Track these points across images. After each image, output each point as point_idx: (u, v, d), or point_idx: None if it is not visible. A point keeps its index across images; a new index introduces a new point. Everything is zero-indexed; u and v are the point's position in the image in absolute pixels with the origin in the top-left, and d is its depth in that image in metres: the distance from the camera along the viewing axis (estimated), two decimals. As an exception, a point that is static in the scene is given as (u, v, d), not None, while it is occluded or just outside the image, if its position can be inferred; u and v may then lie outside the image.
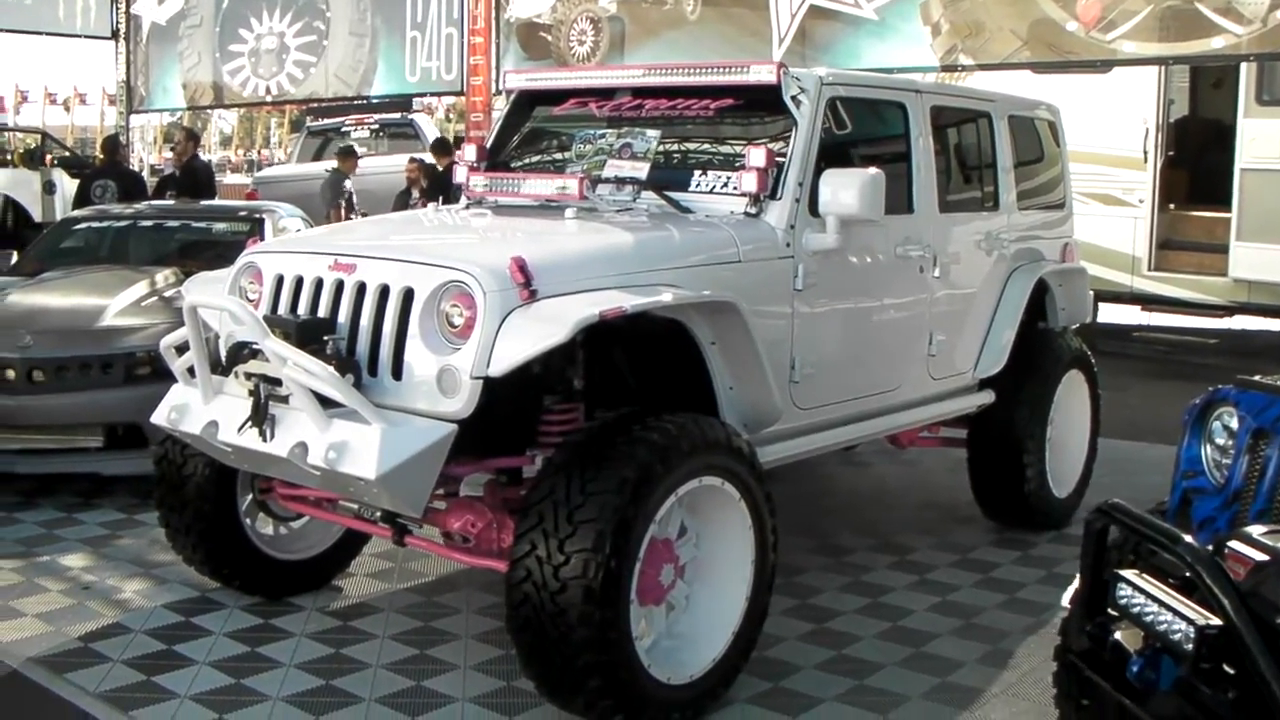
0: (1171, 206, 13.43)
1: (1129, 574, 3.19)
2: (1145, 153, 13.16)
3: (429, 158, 15.28)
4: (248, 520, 5.81)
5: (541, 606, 4.27)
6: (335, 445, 4.42)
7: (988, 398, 7.08)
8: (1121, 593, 3.18)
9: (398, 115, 22.13)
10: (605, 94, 6.27)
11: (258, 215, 10.01)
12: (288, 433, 4.61)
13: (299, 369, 4.47)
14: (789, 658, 5.41)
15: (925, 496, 8.23)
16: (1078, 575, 3.91)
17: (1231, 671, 2.89)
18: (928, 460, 8.70)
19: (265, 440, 4.66)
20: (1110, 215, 13.07)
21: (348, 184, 14.33)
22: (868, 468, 8.79)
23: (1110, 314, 14.24)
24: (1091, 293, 8.13)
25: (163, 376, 6.93)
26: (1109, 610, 3.24)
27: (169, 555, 6.21)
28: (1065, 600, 6.28)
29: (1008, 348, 6.99)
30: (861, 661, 5.42)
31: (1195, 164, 13.65)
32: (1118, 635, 3.25)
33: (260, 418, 4.66)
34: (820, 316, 5.72)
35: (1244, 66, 12.18)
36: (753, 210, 5.48)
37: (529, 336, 4.35)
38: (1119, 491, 8.19)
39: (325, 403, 4.51)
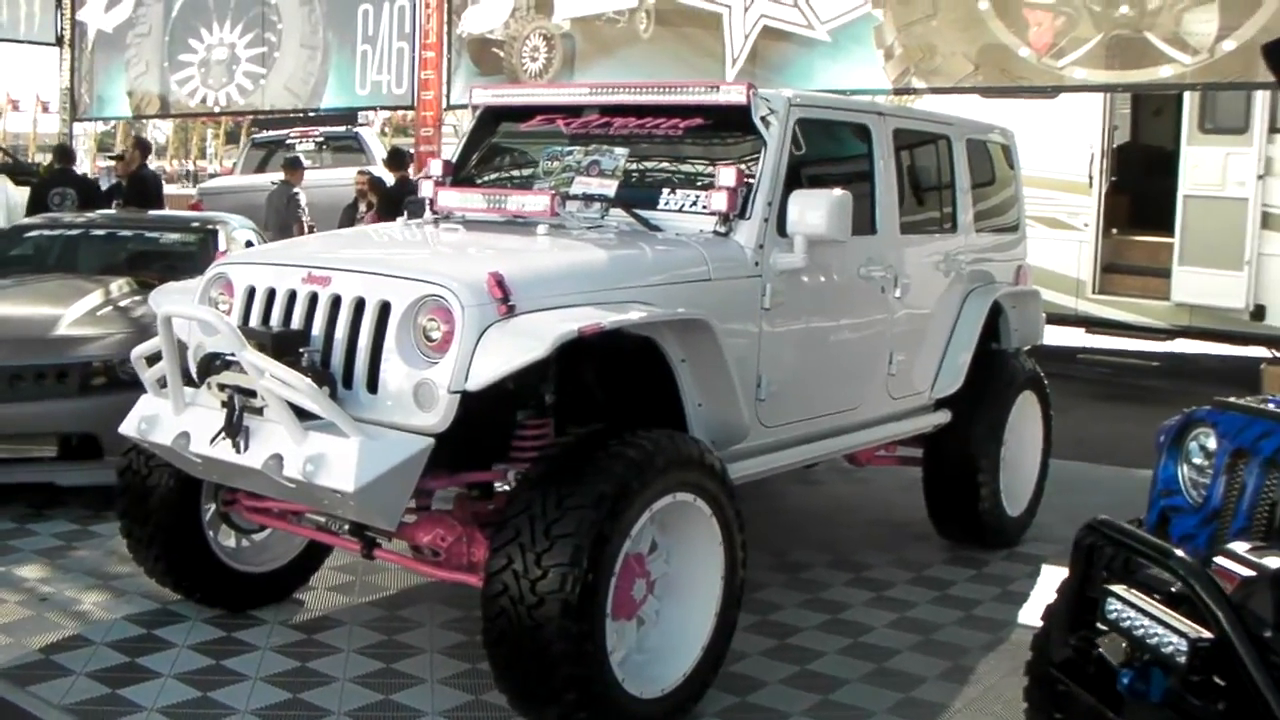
0: (1114, 231, 13.66)
1: (1119, 589, 3.25)
2: (1090, 178, 13.39)
3: (377, 170, 15.23)
4: (210, 532, 5.78)
5: (518, 620, 4.29)
6: (312, 458, 4.42)
7: (944, 417, 7.17)
8: (1111, 607, 3.24)
9: (343, 128, 22.05)
10: (573, 111, 6.30)
11: (211, 226, 9.97)
12: (262, 445, 4.60)
13: (276, 381, 4.47)
14: (754, 673, 5.45)
15: (878, 514, 8.31)
16: (1054, 591, 3.98)
17: (1222, 683, 2.96)
18: (880, 479, 8.79)
19: (239, 452, 4.65)
20: (1055, 239, 13.27)
21: (301, 196, 14.25)
22: (820, 485, 8.87)
23: (1055, 336, 14.39)
24: (1044, 315, 8.24)
25: (118, 386, 7.03)
26: (1097, 625, 3.30)
27: (127, 566, 6.17)
28: (1022, 618, 6.44)
29: (965, 368, 7.09)
30: (826, 677, 5.47)
31: (1138, 189, 13.91)
32: (1102, 649, 3.31)
33: (234, 429, 4.65)
34: (786, 335, 5.78)
35: (1187, 95, 12.43)
36: (722, 229, 5.53)
37: (508, 351, 4.37)
38: (1070, 510, 8.38)
39: (300, 415, 4.51)
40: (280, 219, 13.58)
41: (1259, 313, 12.28)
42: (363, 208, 14.25)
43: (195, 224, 10.31)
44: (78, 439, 7.36)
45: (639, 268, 5.18)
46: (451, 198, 6.06)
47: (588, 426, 4.84)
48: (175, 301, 5.32)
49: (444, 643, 5.63)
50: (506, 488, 5.09)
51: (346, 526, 5.24)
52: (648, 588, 4.81)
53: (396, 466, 4.38)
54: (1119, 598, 3.24)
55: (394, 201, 12.54)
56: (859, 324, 6.35)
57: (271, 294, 4.99)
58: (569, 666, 4.28)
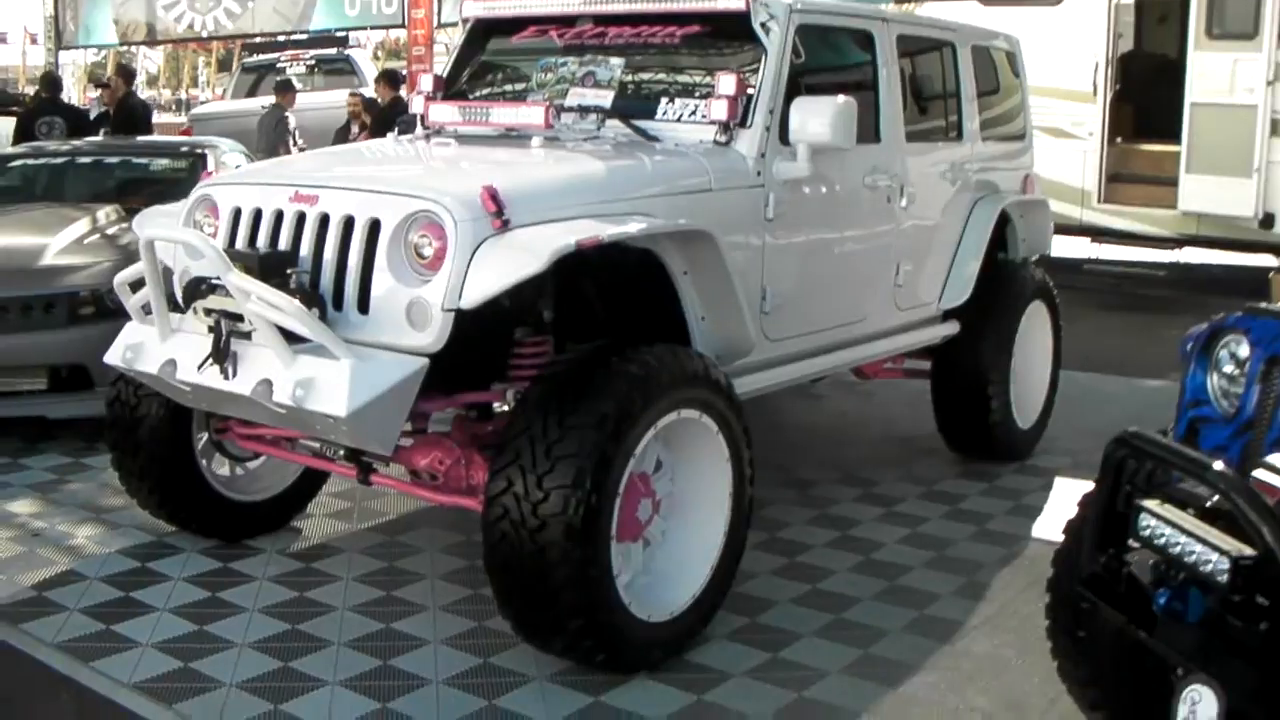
0: (1119, 140, 13.42)
1: (1152, 504, 3.09)
2: (1094, 86, 13.12)
3: (369, 92, 14.97)
4: (203, 461, 5.64)
5: (520, 545, 4.15)
6: (302, 382, 4.26)
7: (952, 329, 7.01)
8: (1145, 523, 3.08)
9: (334, 51, 21.69)
10: (566, 22, 6.09)
11: (199, 150, 9.77)
12: (250, 370, 4.45)
13: (263, 303, 4.30)
14: (764, 593, 5.33)
15: (885, 429, 8.18)
16: (1076, 506, 3.85)
17: (1265, 603, 2.80)
18: (885, 392, 8.63)
19: (227, 378, 4.50)
20: (1060, 148, 13.01)
21: (291, 119, 14.00)
22: (825, 400, 8.71)
23: (1060, 246, 14.21)
24: (1052, 224, 8.05)
25: (107, 316, 6.84)
26: (1128, 542, 3.14)
27: (120, 500, 6.03)
28: (1036, 532, 6.31)
29: (973, 279, 6.92)
30: (837, 595, 5.35)
31: (1143, 98, 13.63)
32: (1133, 568, 3.16)
33: (221, 355, 4.49)
34: (790, 246, 5.60)
35: (1194, 1, 12.15)
36: (722, 139, 5.34)
37: (503, 267, 4.20)
38: (1080, 423, 8.26)
39: (289, 338, 4.35)
40: (270, 142, 13.34)
41: (1268, 221, 12.06)
42: (355, 129, 14.01)
43: (184, 149, 10.11)
44: (67, 370, 7.20)
45: (638, 179, 5.00)
46: (443, 112, 5.85)
47: (588, 343, 4.66)
48: (158, 225, 5.14)
49: (446, 568, 5.51)
50: (506, 408, 4.94)
51: (341, 452, 5.10)
52: (653, 508, 4.68)
53: (390, 389, 4.22)
54: (1153, 513, 3.07)
55: (387, 123, 12.28)
56: (864, 234, 6.18)
57: (258, 215, 4.81)
58: (573, 592, 4.14)
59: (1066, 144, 13.12)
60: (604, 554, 4.22)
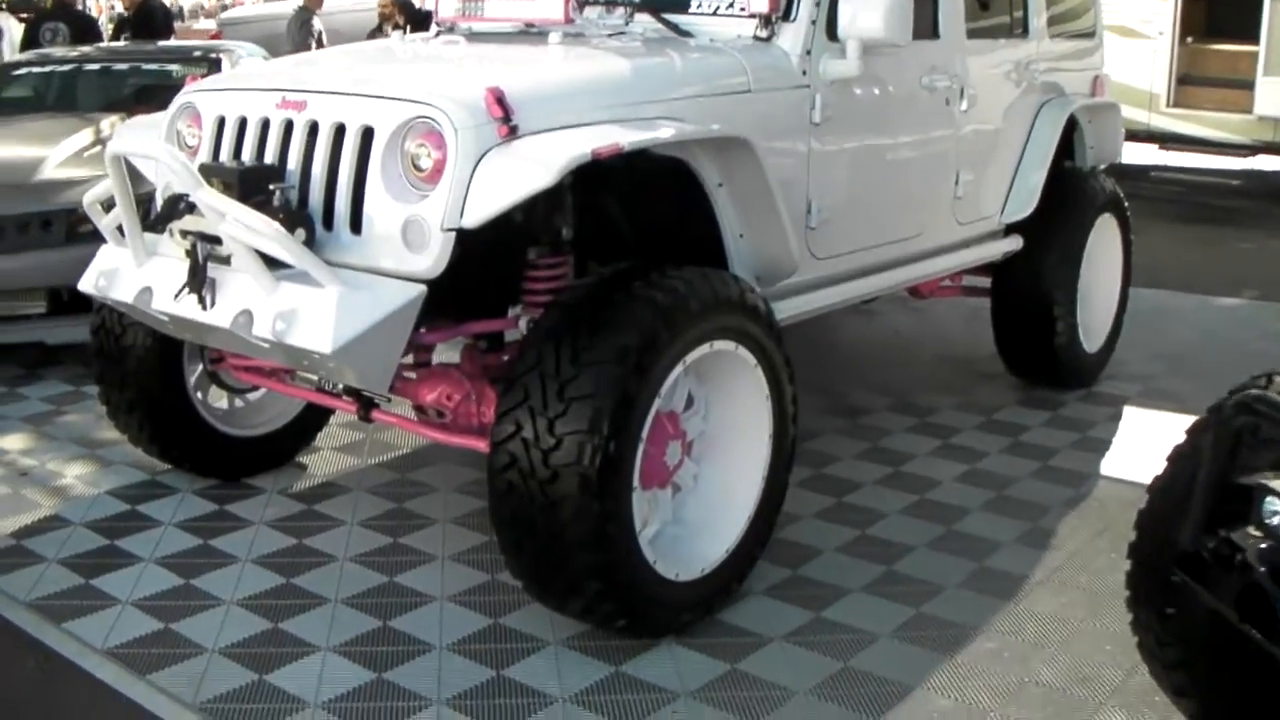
0: (1190, 40, 12.62)
1: None
2: (1164, -19, 12.35)
3: (403, -8, 14.30)
4: (198, 394, 5.17)
5: (530, 498, 3.65)
6: (284, 314, 3.76)
7: (1015, 244, 6.43)
8: (1273, 508, 2.52)
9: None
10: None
11: (214, 55, 9.23)
12: (230, 299, 3.95)
13: (239, 224, 3.79)
14: (808, 540, 4.84)
15: (941, 350, 7.63)
16: (1166, 461, 3.30)
17: None
18: (940, 309, 8.05)
19: (204, 308, 4.00)
20: (1126, 48, 12.23)
21: (316, 22, 13.39)
22: (876, 317, 8.12)
23: (1126, 153, 13.51)
24: (1123, 130, 7.43)
25: (109, 233, 6.35)
26: (1250, 529, 2.57)
27: (115, 433, 5.55)
28: (1105, 469, 5.77)
29: (1038, 190, 6.33)
30: (888, 544, 4.84)
31: (1217, -7, 12.83)
32: (1258, 569, 2.59)
33: (198, 282, 3.99)
34: (839, 154, 5.04)
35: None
36: (763, 34, 4.77)
37: (509, 180, 3.67)
38: (1149, 345, 7.66)
39: (272, 263, 3.85)
40: (295, 46, 12.73)
41: (1351, 127, 11.33)
42: (389, 31, 13.37)
43: (198, 53, 9.55)
44: (68, 293, 6.72)
45: (667, 79, 4.43)
46: (452, 6, 5.29)
47: (611, 265, 4.13)
48: (129, 138, 4.63)
49: (459, 510, 5.03)
50: (519, 336, 4.43)
51: (341, 386, 4.61)
52: (683, 450, 4.18)
53: (381, 321, 3.71)
54: None
55: (424, 25, 11.68)
56: (921, 140, 5.59)
57: (243, 124, 4.30)
58: (590, 552, 3.65)
59: (1133, 43, 12.34)
60: (625, 507, 3.72)
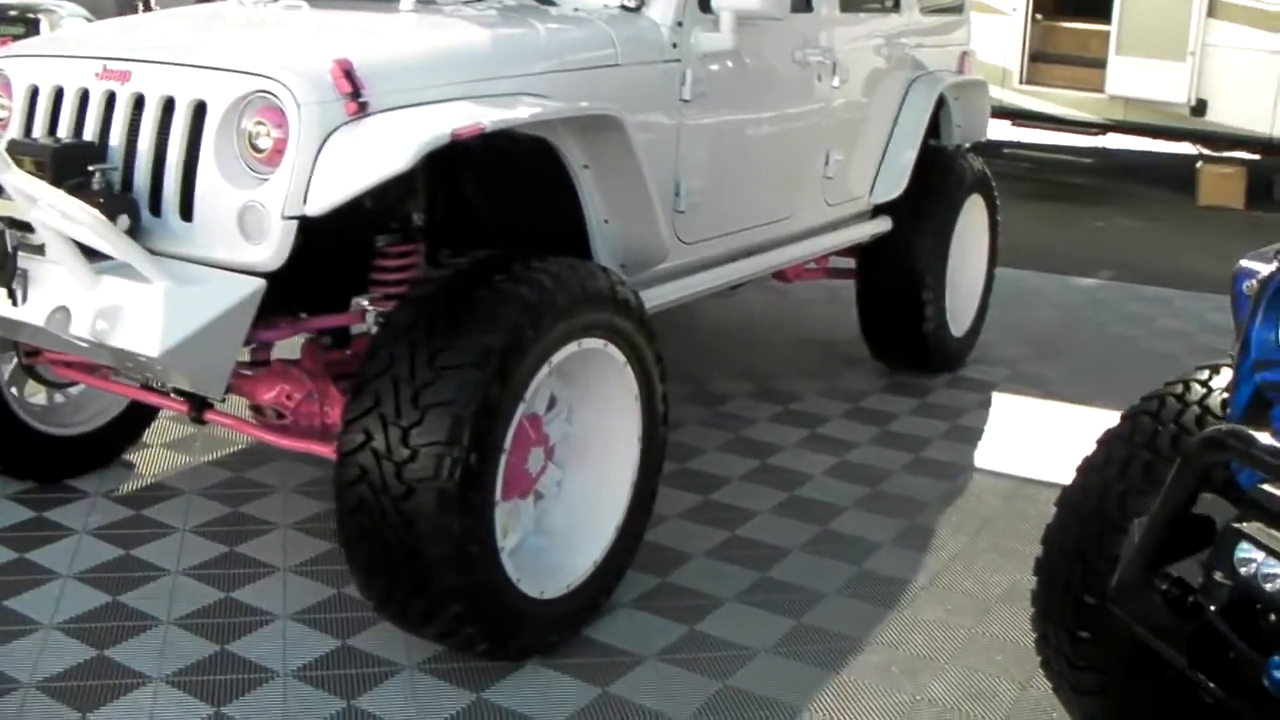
0: (1041, 17, 12.59)
1: (1253, 529, 2.26)
2: (1018, -42, 12.29)
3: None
4: (13, 389, 4.69)
5: (382, 516, 3.30)
6: (105, 311, 3.35)
7: (884, 225, 6.23)
8: (1245, 555, 2.27)
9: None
10: None
11: (31, 15, 8.62)
12: (44, 294, 3.52)
13: (52, 211, 3.37)
14: (677, 543, 4.56)
15: (800, 332, 7.42)
16: (1078, 471, 3.08)
17: None
18: (798, 290, 7.82)
19: (15, 303, 3.57)
20: (980, 24, 12.12)
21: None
22: (732, 298, 7.83)
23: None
24: (989, 108, 7.27)
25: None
26: (1214, 573, 2.32)
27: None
28: (979, 460, 5.59)
29: (908, 169, 6.13)
30: (760, 546, 4.59)
31: (1069, -29, 12.81)
32: (1218, 619, 2.34)
33: (7, 275, 3.55)
34: (710, 132, 4.75)
35: None
36: (632, 4, 4.47)
37: (359, 164, 3.31)
38: (1013, 327, 7.53)
39: (93, 253, 3.43)
40: (120, 8, 12.08)
41: (1200, 108, 11.34)
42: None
43: (13, 12, 8.92)
44: None
45: (529, 51, 4.09)
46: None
47: (467, 253, 3.77)
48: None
49: (300, 514, 4.65)
50: (369, 330, 4.06)
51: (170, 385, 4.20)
52: (546, 455, 3.86)
53: (214, 321, 3.31)
54: (1262, 545, 2.24)
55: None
56: (793, 117, 5.33)
57: (60, 94, 3.85)
58: (449, 574, 3.31)
59: (987, 19, 12.24)
60: (487, 524, 3.39)
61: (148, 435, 5.22)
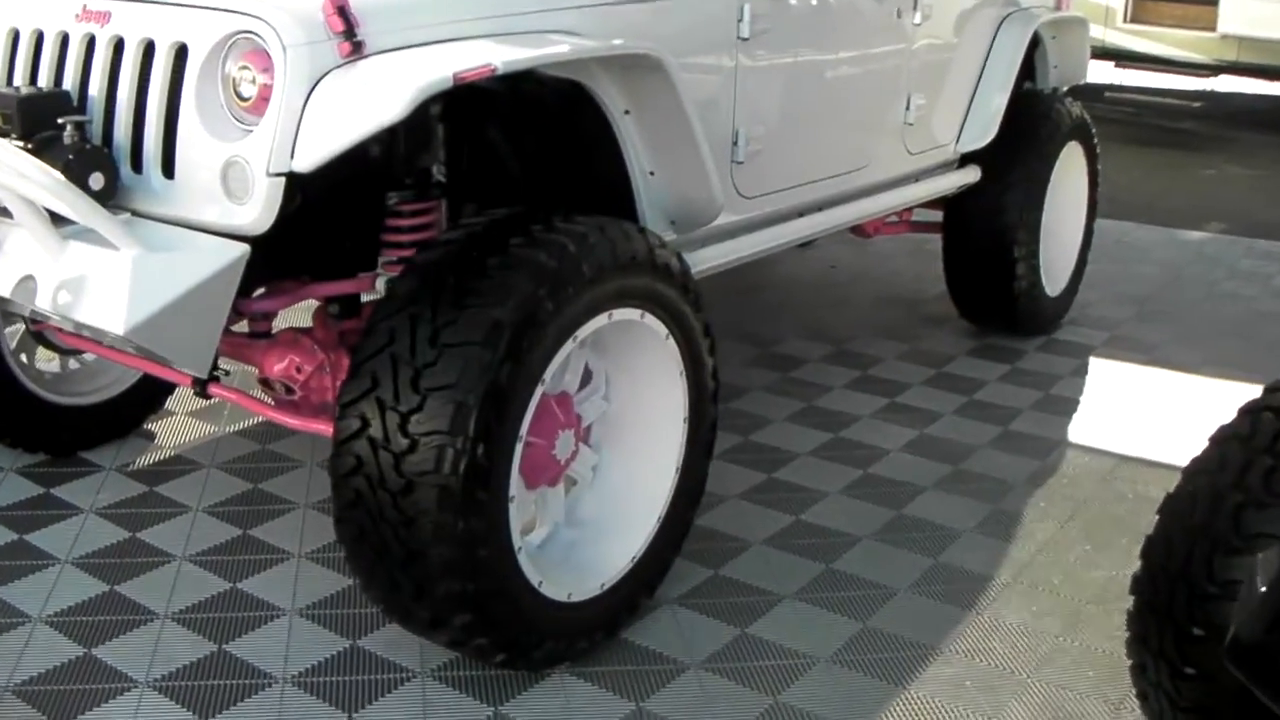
0: (1149, -51, 11.89)
1: None
2: (1122, -118, 11.58)
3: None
4: (21, 356, 4.37)
5: (381, 513, 2.91)
6: (69, 282, 2.96)
7: (973, 175, 5.72)
8: None
9: None
10: None
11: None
12: (12, 260, 3.14)
13: (11, 171, 2.99)
14: (734, 529, 4.14)
15: (882, 289, 6.94)
16: (1183, 474, 2.61)
17: None
18: (881, 241, 7.29)
19: (-20, 271, 3.21)
20: (1082, -43, 11.48)
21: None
22: (809, 250, 7.30)
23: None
24: (1089, 48, 6.71)
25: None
26: None
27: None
28: (1073, 435, 5.08)
29: (999, 115, 5.61)
30: (827, 533, 4.16)
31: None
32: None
33: (-29, 238, 3.20)
34: (773, 74, 4.27)
35: None
36: (681, -71, 4.00)
37: (350, 113, 2.89)
38: (1114, 285, 6.97)
39: (62, 219, 3.06)
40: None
41: (1320, 49, 10.64)
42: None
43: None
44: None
45: (558, -16, 3.65)
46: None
47: (486, 213, 3.35)
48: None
49: (324, 492, 4.21)
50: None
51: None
52: (577, 437, 3.44)
53: (189, 292, 2.91)
54: None
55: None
56: (870, 58, 4.82)
57: (39, 39, 3.47)
58: (455, 580, 2.91)
59: (1089, -49, 11.60)
60: (500, 525, 2.98)
61: (171, 403, 4.88)
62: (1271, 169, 10.51)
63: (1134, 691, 2.80)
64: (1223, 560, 2.42)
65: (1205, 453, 2.63)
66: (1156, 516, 2.67)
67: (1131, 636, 2.69)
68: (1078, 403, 5.41)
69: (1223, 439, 2.60)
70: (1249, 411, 2.60)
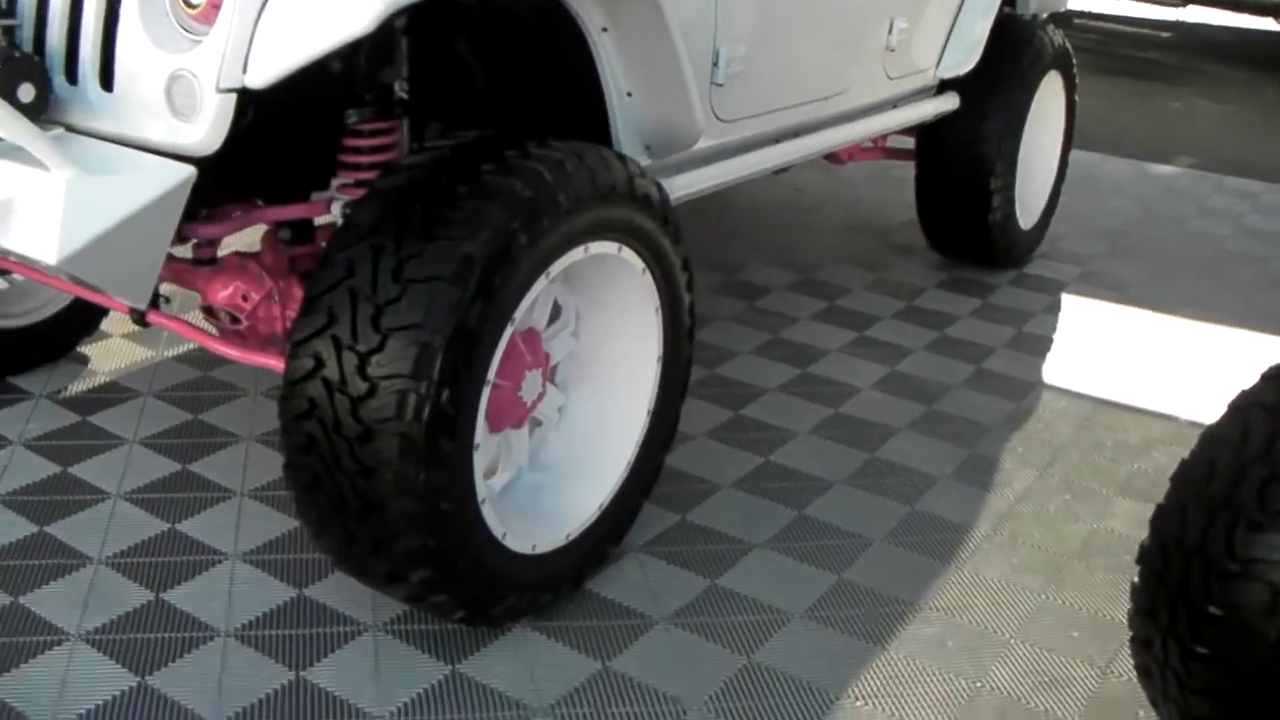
0: None
1: None
2: None
3: None
4: (-52, 275, 4.11)
5: (336, 460, 2.69)
6: (-5, 204, 2.71)
7: (951, 103, 5.51)
8: None
9: None
10: None
11: None
12: (-65, 176, 2.89)
13: (-71, 77, 2.71)
14: (701, 470, 3.95)
15: (848, 216, 6.74)
16: (1198, 444, 2.43)
17: None
18: (848, 167, 7.08)
19: (-97, 188, 2.93)
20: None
21: None
22: (779, 173, 7.12)
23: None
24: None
25: None
26: None
27: None
28: (1048, 376, 4.93)
29: (982, 41, 5.39)
30: (799, 475, 3.98)
31: None
32: None
33: (-104, 152, 2.92)
34: (755, -8, 4.04)
35: None
36: None
37: (312, 23, 2.62)
38: (1085, 218, 6.79)
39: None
40: None
41: (1295, -22, 10.47)
42: None
43: None
44: None
45: (536, -111, 3.38)
46: None
47: (457, 135, 3.11)
48: None
49: (269, 424, 4.02)
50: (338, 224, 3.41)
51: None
52: (544, 377, 3.23)
53: (127, 219, 2.65)
54: None
55: None
56: (853, -23, 4.61)
57: (-30, -67, 3.18)
58: (415, 536, 2.70)
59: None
60: (462, 476, 2.76)
61: (106, 324, 4.61)
62: (1239, 104, 10.36)
63: (1122, 654, 2.65)
64: (1245, 536, 2.26)
65: (1224, 419, 2.45)
66: (1170, 484, 2.49)
67: (1135, 610, 2.52)
68: (1051, 341, 5.25)
69: (1244, 406, 2.42)
70: (1273, 377, 2.42)
